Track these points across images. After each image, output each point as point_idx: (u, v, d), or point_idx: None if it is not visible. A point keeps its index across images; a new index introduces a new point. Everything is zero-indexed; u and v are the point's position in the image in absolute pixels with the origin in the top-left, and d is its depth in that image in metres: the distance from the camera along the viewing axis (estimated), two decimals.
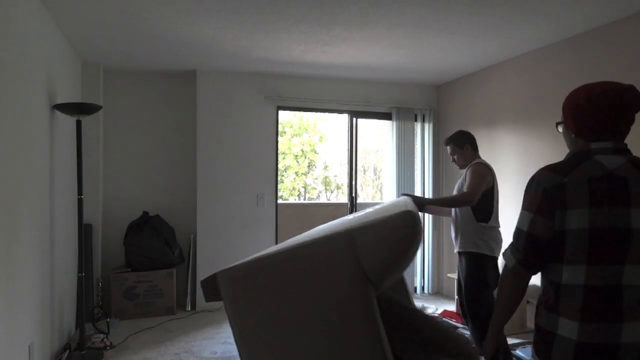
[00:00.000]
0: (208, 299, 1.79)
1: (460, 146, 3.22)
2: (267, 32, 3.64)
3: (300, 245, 1.69)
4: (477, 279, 3.01)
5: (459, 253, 3.13)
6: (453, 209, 3.17)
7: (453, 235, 3.20)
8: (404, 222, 1.58)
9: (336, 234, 1.64)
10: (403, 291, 2.54)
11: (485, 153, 4.76)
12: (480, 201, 2.99)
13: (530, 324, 4.15)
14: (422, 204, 2.84)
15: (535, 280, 4.07)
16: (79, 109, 3.37)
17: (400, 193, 2.95)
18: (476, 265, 3.02)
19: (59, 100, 3.51)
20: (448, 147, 3.31)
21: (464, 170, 3.21)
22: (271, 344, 1.64)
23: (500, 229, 3.12)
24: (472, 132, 4.92)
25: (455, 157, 3.29)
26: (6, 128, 2.37)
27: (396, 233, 1.57)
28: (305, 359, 1.59)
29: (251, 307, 1.68)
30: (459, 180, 3.20)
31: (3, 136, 2.32)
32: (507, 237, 4.48)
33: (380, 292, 1.70)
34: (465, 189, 3.02)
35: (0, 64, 2.29)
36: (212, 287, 1.75)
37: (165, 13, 3.25)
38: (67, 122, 3.75)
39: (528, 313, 4.14)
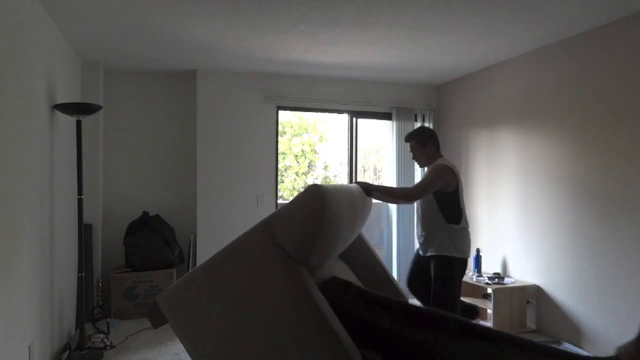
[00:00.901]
0: (156, 325, 1.79)
1: (422, 144, 3.13)
2: (267, 32, 3.64)
3: (223, 248, 1.71)
4: (446, 281, 3.02)
5: (430, 256, 3.09)
6: (422, 211, 3.14)
7: (420, 236, 3.15)
8: (309, 195, 1.62)
9: (254, 226, 1.68)
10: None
11: (485, 153, 4.76)
12: (447, 203, 2.98)
13: (531, 323, 4.15)
14: (368, 189, 2.82)
15: (536, 280, 4.07)
16: (79, 109, 3.37)
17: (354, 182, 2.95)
18: (446, 269, 3.02)
19: (59, 100, 3.51)
20: (409, 144, 3.21)
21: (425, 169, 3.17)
22: (224, 350, 1.65)
23: (468, 230, 3.13)
24: (472, 132, 4.95)
25: (417, 155, 3.21)
26: (6, 128, 2.37)
27: (304, 207, 1.61)
28: (259, 353, 1.61)
29: (194, 323, 1.69)
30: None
31: (3, 136, 2.32)
32: (508, 235, 4.48)
33: (318, 273, 1.74)
34: (413, 186, 3.00)
35: (1, 64, 2.29)
36: (157, 313, 1.77)
37: (165, 13, 3.25)
38: (67, 122, 3.75)
39: (528, 313, 4.14)
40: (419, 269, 3.25)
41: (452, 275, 3.03)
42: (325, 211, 1.61)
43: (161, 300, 1.75)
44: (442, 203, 3.04)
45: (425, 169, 3.23)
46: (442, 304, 3.00)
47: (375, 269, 3.30)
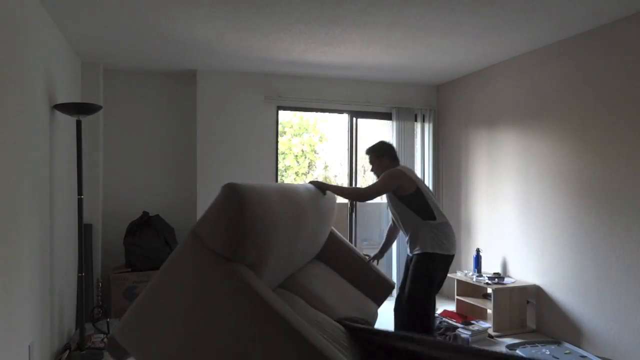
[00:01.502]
0: (119, 359, 1.80)
1: (379, 157, 3.30)
2: (267, 32, 3.64)
3: (160, 268, 1.73)
4: (422, 279, 3.03)
5: (414, 255, 3.14)
6: (398, 217, 3.20)
7: (406, 239, 3.22)
8: (224, 195, 1.65)
9: (184, 240, 1.72)
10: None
11: (485, 153, 4.77)
12: (415, 203, 3.06)
13: (531, 323, 4.15)
14: (322, 188, 2.96)
15: (536, 280, 4.08)
16: (79, 109, 3.37)
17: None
18: (424, 266, 3.04)
19: (59, 100, 3.51)
20: (368, 156, 3.40)
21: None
22: None
23: (449, 223, 3.15)
24: (472, 132, 4.96)
25: (374, 166, 3.36)
26: (6, 128, 2.37)
27: (222, 207, 1.65)
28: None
29: (155, 348, 1.69)
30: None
31: (3, 136, 2.32)
32: (508, 235, 4.48)
33: (260, 270, 1.76)
34: (367, 186, 3.14)
35: (1, 64, 2.29)
36: (117, 348, 1.77)
37: (165, 13, 3.25)
38: (67, 122, 3.75)
39: (528, 313, 4.14)
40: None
41: (429, 273, 3.05)
42: (244, 205, 1.63)
43: (117, 334, 1.75)
44: (411, 205, 3.10)
45: None
46: (414, 301, 3.03)
47: (357, 264, 3.38)
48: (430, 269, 3.04)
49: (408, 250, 3.22)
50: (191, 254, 1.66)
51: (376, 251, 3.56)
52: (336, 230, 3.51)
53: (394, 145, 5.29)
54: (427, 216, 3.07)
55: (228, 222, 1.63)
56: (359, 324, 2.40)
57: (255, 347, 1.55)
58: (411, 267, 3.10)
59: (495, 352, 1.72)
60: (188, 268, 1.66)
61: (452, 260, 3.11)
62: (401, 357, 1.95)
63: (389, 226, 3.51)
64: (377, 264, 3.53)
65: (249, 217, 1.65)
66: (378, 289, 3.33)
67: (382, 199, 3.62)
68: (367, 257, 3.47)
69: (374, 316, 3.09)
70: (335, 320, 2.31)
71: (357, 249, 3.55)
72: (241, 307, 1.59)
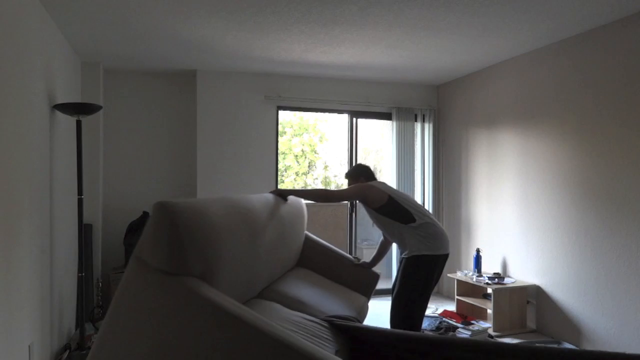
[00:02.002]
0: None
1: (355, 179, 3.39)
2: (267, 32, 3.64)
3: (114, 297, 1.76)
4: (409, 280, 3.04)
5: (402, 258, 3.17)
6: (383, 228, 3.24)
7: (398, 246, 3.26)
8: (155, 214, 1.70)
9: (128, 265, 1.75)
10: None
11: (485, 153, 4.77)
12: (392, 212, 3.11)
13: (531, 323, 4.15)
14: (282, 195, 3.02)
15: (536, 280, 4.07)
16: (79, 109, 3.37)
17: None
18: (413, 267, 3.05)
19: (59, 100, 3.51)
20: (346, 181, 3.50)
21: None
22: None
23: (435, 222, 3.15)
24: (472, 132, 4.96)
25: None
26: (6, 128, 2.37)
27: (156, 226, 1.69)
28: None
29: None
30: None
31: (3, 136, 2.32)
32: (508, 235, 4.48)
33: (214, 280, 1.79)
34: (336, 189, 3.23)
35: (1, 64, 2.29)
36: None
37: (165, 13, 3.25)
38: (67, 122, 3.75)
39: (528, 313, 4.14)
40: None
41: (417, 275, 3.05)
42: (177, 219, 1.67)
43: None
44: (389, 214, 3.13)
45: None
46: (402, 305, 3.04)
47: (338, 263, 3.47)
48: (418, 271, 3.04)
49: (401, 255, 3.25)
50: (137, 278, 1.68)
51: (368, 260, 3.62)
52: (311, 235, 3.61)
53: (394, 145, 5.31)
54: (407, 220, 3.09)
55: (165, 238, 1.66)
56: (348, 320, 2.44)
57: (218, 354, 1.55)
58: (400, 270, 3.13)
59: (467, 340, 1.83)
60: (138, 292, 1.69)
61: (445, 259, 3.10)
62: (383, 349, 2.05)
63: (380, 240, 3.53)
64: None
65: (184, 229, 1.69)
66: (363, 282, 3.43)
67: None
68: (356, 259, 3.55)
69: (363, 307, 3.16)
70: (322, 319, 2.34)
71: (340, 249, 3.63)
72: (195, 317, 1.59)
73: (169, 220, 1.67)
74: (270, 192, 2.98)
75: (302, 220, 3.32)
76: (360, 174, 3.40)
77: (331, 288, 3.17)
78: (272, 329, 1.59)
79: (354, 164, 3.62)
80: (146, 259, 1.67)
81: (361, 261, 3.55)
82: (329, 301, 2.85)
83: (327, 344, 2.03)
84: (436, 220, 3.19)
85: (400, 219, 3.10)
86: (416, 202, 3.22)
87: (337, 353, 2.03)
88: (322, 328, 2.20)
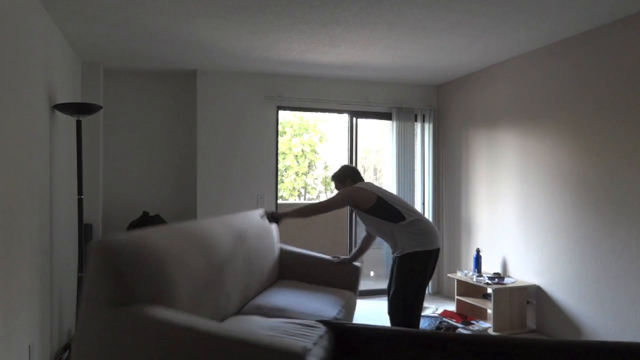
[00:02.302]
0: None
1: (342, 181, 3.41)
2: (267, 32, 3.64)
3: (73, 342, 1.84)
4: (406, 281, 3.06)
5: (396, 257, 3.19)
6: (374, 229, 3.27)
7: (389, 246, 3.26)
8: (92, 252, 1.78)
9: (81, 308, 1.84)
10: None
11: (485, 153, 4.77)
12: (381, 212, 3.13)
13: (531, 323, 4.15)
14: (276, 218, 3.15)
15: (536, 280, 4.07)
16: (79, 109, 3.37)
17: (260, 215, 3.33)
18: (406, 265, 3.08)
19: (59, 100, 3.51)
20: (332, 183, 3.51)
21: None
22: None
23: (423, 219, 3.18)
24: (472, 132, 4.96)
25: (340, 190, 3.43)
26: (6, 128, 2.37)
27: (96, 263, 1.77)
28: None
29: None
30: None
31: (3, 136, 2.32)
32: (508, 235, 4.48)
33: (172, 302, 1.87)
34: (323, 200, 3.28)
35: (1, 64, 2.29)
36: None
37: (165, 13, 3.25)
38: (67, 122, 3.74)
39: (528, 313, 4.14)
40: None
41: (411, 272, 3.07)
42: (113, 251, 1.75)
43: None
44: (379, 214, 3.15)
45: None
46: (400, 304, 3.04)
47: (318, 266, 3.61)
48: (412, 268, 3.06)
49: (393, 255, 3.27)
50: (92, 316, 1.75)
51: (348, 256, 3.68)
52: (286, 246, 3.77)
53: (394, 145, 5.31)
54: (397, 219, 3.10)
55: (108, 272, 1.73)
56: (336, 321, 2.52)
57: None
58: (395, 269, 3.14)
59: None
60: (94, 329, 1.74)
61: (436, 254, 3.12)
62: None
63: (363, 236, 3.55)
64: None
65: (123, 261, 1.75)
66: (347, 277, 3.57)
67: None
68: (336, 258, 3.65)
69: (349, 300, 3.29)
70: (316, 320, 2.45)
71: (318, 253, 3.78)
72: (155, 339, 1.66)
73: (107, 256, 1.74)
74: (264, 214, 3.10)
75: (268, 234, 3.44)
76: (346, 175, 3.41)
77: (313, 290, 3.29)
78: (222, 331, 1.65)
79: (346, 164, 3.63)
80: (95, 296, 1.74)
81: (341, 258, 3.63)
82: (310, 302, 2.97)
83: (302, 339, 2.10)
84: (424, 216, 3.23)
85: (390, 218, 3.11)
86: (403, 200, 3.27)
87: (314, 345, 2.09)
88: (301, 327, 2.29)
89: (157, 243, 1.97)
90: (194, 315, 1.82)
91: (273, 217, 3.16)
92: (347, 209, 5.50)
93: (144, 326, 1.66)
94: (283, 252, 3.68)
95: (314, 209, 3.22)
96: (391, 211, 3.12)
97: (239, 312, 2.72)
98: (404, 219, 3.09)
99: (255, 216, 3.36)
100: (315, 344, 2.12)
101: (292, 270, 3.61)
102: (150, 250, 1.88)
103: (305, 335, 2.19)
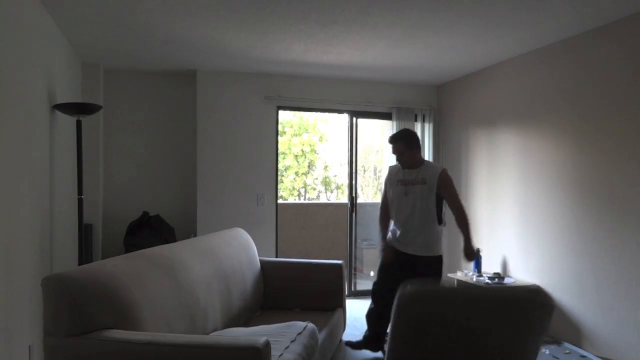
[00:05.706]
0: None
1: (410, 147, 3.28)
2: (267, 32, 3.64)
3: None
4: (439, 278, 3.27)
5: (419, 257, 3.21)
6: (415, 209, 3.23)
7: (404, 233, 3.24)
8: (45, 288, 1.81)
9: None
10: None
11: (485, 153, 4.77)
12: (439, 205, 3.22)
13: None
14: (474, 253, 3.33)
15: (536, 280, 4.06)
16: (79, 109, 3.37)
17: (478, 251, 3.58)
18: (439, 268, 3.25)
19: (59, 100, 3.51)
20: (394, 145, 3.31)
21: (413, 170, 3.29)
22: None
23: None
24: (473, 132, 4.96)
25: (404, 157, 3.30)
26: (6, 128, 2.37)
27: (48, 300, 1.82)
28: None
29: None
30: (418, 184, 3.24)
31: (3, 136, 2.32)
32: (508, 235, 4.47)
33: (139, 326, 1.91)
34: (454, 203, 3.22)
35: (1, 64, 2.29)
36: None
37: (165, 13, 3.25)
38: (67, 122, 3.75)
39: None
40: (393, 277, 3.09)
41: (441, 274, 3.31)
42: (64, 284, 1.78)
43: None
44: (438, 205, 3.25)
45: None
46: None
47: (300, 274, 3.59)
48: (441, 271, 3.30)
49: (401, 247, 3.29)
50: (56, 351, 1.77)
51: (382, 245, 3.50)
52: (267, 258, 3.82)
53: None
54: (440, 220, 3.26)
55: (64, 304, 1.76)
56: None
57: None
58: (430, 269, 3.22)
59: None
60: None
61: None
62: None
63: (382, 216, 3.52)
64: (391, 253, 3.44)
65: (77, 291, 1.78)
66: (330, 273, 3.55)
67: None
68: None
69: (333, 320, 3.28)
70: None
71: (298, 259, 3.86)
72: (120, 359, 1.72)
73: (62, 289, 1.77)
74: (469, 258, 3.23)
75: (244, 251, 3.36)
76: (415, 143, 3.30)
77: (298, 311, 3.30)
78: (182, 340, 1.74)
79: (407, 132, 3.46)
80: (55, 333, 1.77)
81: (387, 237, 3.42)
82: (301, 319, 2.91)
83: (279, 338, 2.19)
84: None
85: (438, 215, 3.23)
86: None
87: (292, 343, 2.18)
88: (282, 328, 2.38)
89: (112, 270, 2.00)
90: (162, 333, 1.87)
91: (472, 253, 3.25)
92: (347, 208, 5.50)
93: (107, 349, 1.72)
94: (264, 265, 3.58)
95: (466, 217, 3.23)
96: (440, 210, 3.25)
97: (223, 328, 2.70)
98: (440, 222, 3.26)
99: (228, 235, 3.33)
100: (292, 341, 2.19)
101: (278, 286, 3.52)
102: (104, 278, 1.92)
103: (284, 333, 2.24)
